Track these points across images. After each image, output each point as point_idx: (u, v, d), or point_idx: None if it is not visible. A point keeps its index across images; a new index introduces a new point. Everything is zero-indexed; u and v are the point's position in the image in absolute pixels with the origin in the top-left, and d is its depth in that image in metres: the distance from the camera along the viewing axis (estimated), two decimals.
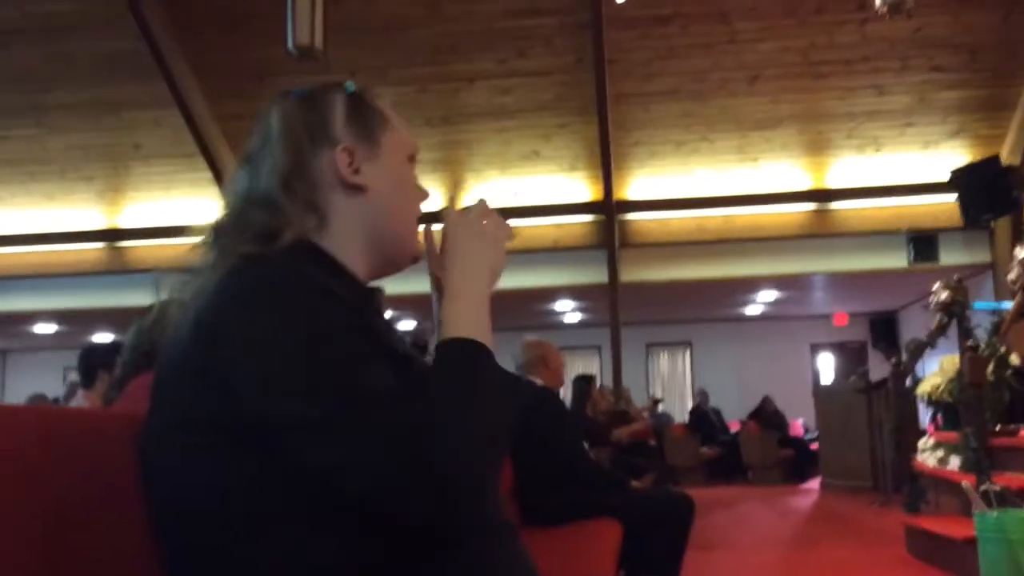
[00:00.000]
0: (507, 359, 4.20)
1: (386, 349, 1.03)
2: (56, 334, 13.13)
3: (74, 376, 4.09)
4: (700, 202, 9.54)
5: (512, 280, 10.03)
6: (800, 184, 9.48)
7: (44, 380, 13.11)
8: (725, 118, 9.08)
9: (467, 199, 9.56)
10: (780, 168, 9.42)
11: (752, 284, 11.39)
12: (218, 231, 1.12)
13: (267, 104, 1.20)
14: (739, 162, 9.40)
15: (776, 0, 8.23)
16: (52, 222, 10.19)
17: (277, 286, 0.99)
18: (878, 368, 11.19)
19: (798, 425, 12.64)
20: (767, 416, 11.79)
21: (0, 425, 0.91)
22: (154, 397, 1.04)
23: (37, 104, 9.14)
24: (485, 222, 1.15)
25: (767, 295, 12.46)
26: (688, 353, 15.22)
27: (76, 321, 11.80)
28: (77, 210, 10.12)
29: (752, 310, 13.80)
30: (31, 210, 10.15)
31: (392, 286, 1.24)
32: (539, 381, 3.83)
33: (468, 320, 1.06)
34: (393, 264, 1.20)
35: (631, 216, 9.71)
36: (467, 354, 1.02)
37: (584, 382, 6.71)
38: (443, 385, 0.98)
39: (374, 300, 1.17)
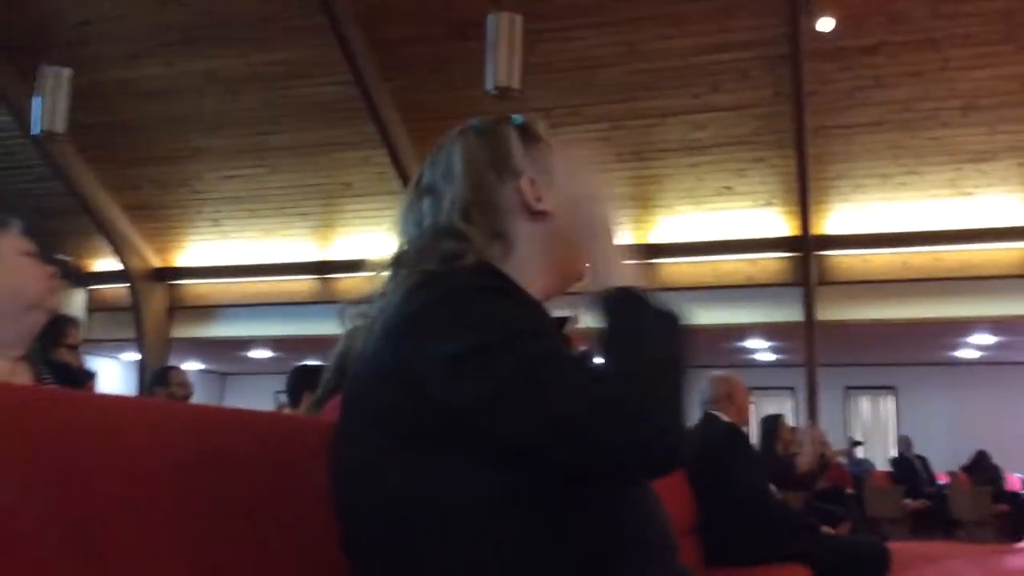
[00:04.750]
0: (695, 397, 4.15)
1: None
2: (271, 359, 14.05)
3: (283, 398, 4.40)
4: (906, 238, 9.04)
5: (703, 316, 9.90)
6: (1020, 220, 8.81)
7: (258, 402, 14.06)
8: (936, 150, 8.60)
9: (655, 234, 9.53)
10: (997, 202, 8.80)
11: (964, 326, 10.64)
12: (400, 260, 1.20)
13: (447, 138, 1.27)
14: (951, 196, 8.86)
15: (992, 26, 7.74)
16: (270, 254, 10.96)
17: (466, 290, 1.06)
18: None
19: (1015, 480, 11.64)
20: (982, 471, 10.97)
21: (211, 423, 1.02)
22: (346, 405, 1.12)
23: (259, 145, 9.91)
24: (586, 186, 1.21)
25: (982, 339, 11.60)
26: (893, 398, 14.38)
27: (289, 347, 12.57)
28: (292, 243, 10.84)
29: (966, 354, 12.87)
30: (252, 243, 10.97)
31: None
32: (725, 417, 3.76)
33: (607, 271, 1.13)
34: (571, 277, 1.27)
35: (830, 252, 9.34)
36: (625, 305, 1.09)
37: (771, 422, 6.48)
38: (620, 350, 1.04)
39: (549, 316, 1.22)
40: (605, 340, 1.06)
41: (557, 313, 1.23)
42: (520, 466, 1.00)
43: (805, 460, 6.46)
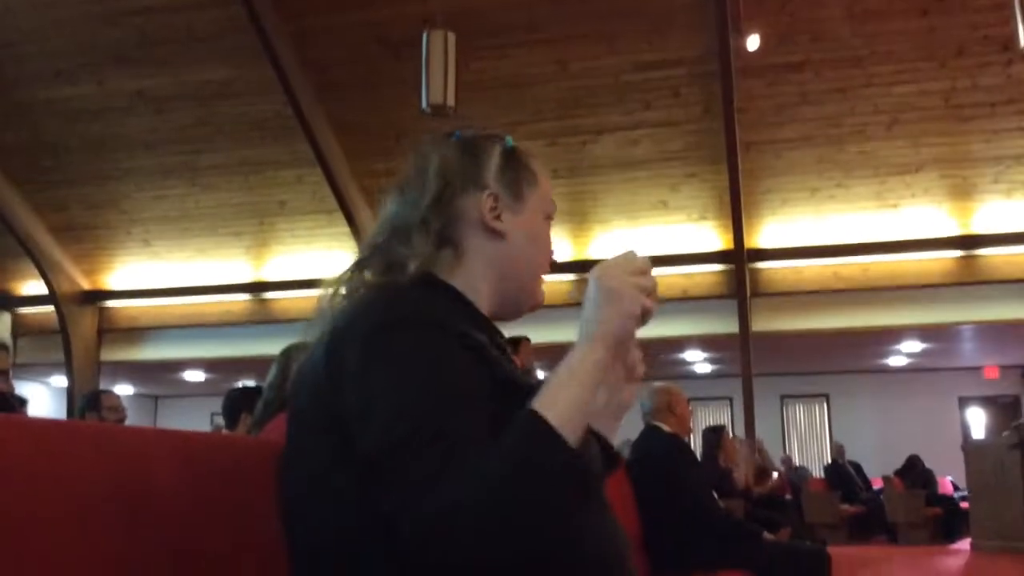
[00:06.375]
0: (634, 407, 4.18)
1: (492, 372, 1.06)
2: (205, 381, 13.79)
3: (219, 420, 4.31)
4: (836, 250, 9.26)
5: (641, 330, 9.99)
6: (944, 230, 9.09)
7: (192, 424, 13.77)
8: (862, 163, 8.84)
9: (593, 249, 9.61)
10: (922, 214, 9.07)
11: (894, 334, 10.93)
12: (360, 261, 1.21)
13: (427, 141, 1.28)
14: (878, 208, 9.11)
15: (913, 44, 8.00)
16: (203, 275, 10.77)
17: (395, 318, 1.04)
18: None
19: (947, 482, 11.96)
20: (915, 475, 11.25)
21: (152, 445, 1.00)
22: (289, 428, 1.10)
23: (191, 165, 9.76)
24: (626, 276, 1.09)
25: (911, 346, 11.92)
26: (825, 405, 14.69)
27: (223, 369, 12.36)
28: (226, 263, 10.67)
29: (895, 361, 13.22)
30: (184, 263, 10.77)
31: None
32: (666, 428, 3.80)
33: (558, 388, 1.00)
34: (514, 309, 1.28)
35: (763, 265, 9.52)
36: (528, 433, 0.96)
37: (714, 433, 6.60)
38: (498, 458, 0.94)
39: (494, 330, 1.22)
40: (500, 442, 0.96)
41: (509, 334, 1.23)
42: None
43: (740, 476, 6.70)
